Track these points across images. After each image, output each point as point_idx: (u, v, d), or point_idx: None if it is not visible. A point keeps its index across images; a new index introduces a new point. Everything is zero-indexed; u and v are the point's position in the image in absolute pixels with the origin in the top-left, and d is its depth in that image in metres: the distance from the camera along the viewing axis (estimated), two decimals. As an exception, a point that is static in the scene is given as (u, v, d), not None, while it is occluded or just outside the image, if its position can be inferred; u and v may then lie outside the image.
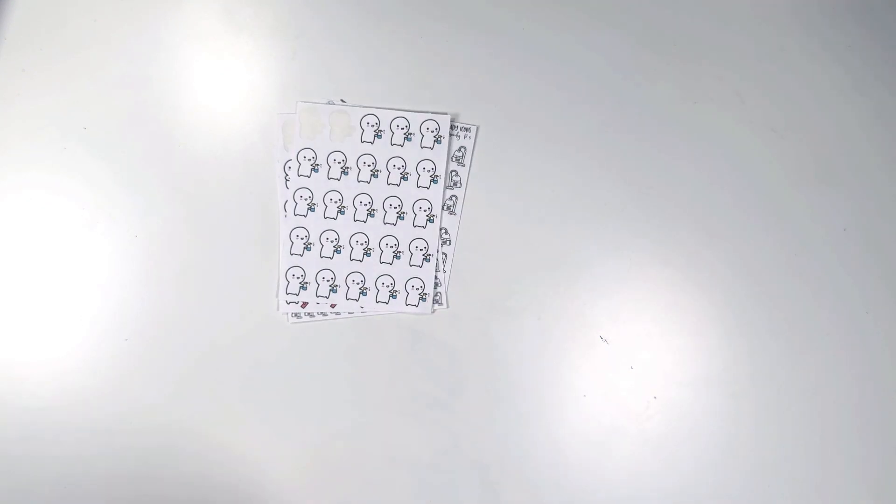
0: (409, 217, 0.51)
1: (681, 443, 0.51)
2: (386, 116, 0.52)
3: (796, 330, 0.51)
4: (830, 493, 0.50)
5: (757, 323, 0.52)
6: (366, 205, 0.51)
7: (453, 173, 0.52)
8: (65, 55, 0.52)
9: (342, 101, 0.52)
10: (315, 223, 0.51)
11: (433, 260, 0.51)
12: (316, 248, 0.51)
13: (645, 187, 0.52)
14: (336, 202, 0.51)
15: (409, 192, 0.51)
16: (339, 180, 0.51)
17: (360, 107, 0.52)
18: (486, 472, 0.50)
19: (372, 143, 0.51)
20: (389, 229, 0.51)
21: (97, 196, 0.52)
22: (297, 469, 0.51)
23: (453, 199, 0.52)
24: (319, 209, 0.51)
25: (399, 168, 0.51)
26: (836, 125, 0.53)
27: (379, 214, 0.51)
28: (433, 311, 0.51)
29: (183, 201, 0.52)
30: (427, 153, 0.51)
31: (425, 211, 0.51)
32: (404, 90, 0.53)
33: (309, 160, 0.51)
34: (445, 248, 0.51)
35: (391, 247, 0.51)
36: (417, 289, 0.51)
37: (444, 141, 0.51)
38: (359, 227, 0.51)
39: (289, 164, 0.52)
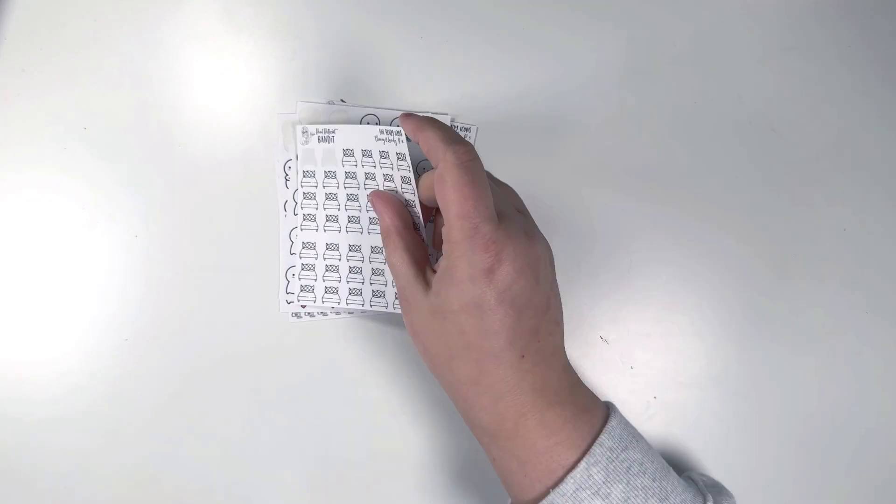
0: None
1: (681, 443, 0.51)
2: (386, 116, 0.52)
3: (796, 330, 0.51)
4: (831, 494, 0.50)
5: (757, 323, 0.52)
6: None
7: None
8: (65, 55, 0.52)
9: (342, 101, 0.52)
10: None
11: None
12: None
13: (645, 187, 0.52)
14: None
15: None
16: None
17: (360, 107, 0.52)
18: (485, 471, 0.50)
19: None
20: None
21: (97, 196, 0.52)
22: (297, 469, 0.51)
23: None
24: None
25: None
26: (836, 125, 0.53)
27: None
28: None
29: (183, 201, 0.52)
30: None
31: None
32: (404, 90, 0.53)
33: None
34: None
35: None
36: None
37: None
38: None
39: (288, 163, 0.52)
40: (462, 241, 0.35)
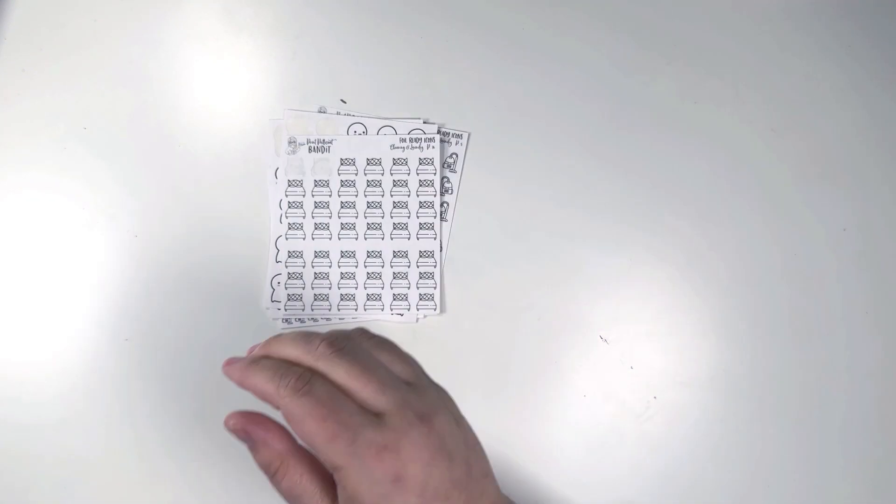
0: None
1: (681, 443, 0.51)
2: (373, 125, 0.52)
3: (796, 330, 0.51)
4: (831, 494, 0.50)
5: (757, 323, 0.52)
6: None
7: (445, 180, 0.52)
8: (65, 55, 0.52)
9: (342, 101, 0.52)
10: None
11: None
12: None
13: (645, 187, 0.52)
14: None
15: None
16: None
17: (346, 115, 0.52)
18: (486, 472, 0.50)
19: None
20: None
21: (97, 196, 0.52)
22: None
23: (444, 205, 0.51)
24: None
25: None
26: (836, 125, 0.53)
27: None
28: (418, 320, 0.51)
29: (183, 201, 0.52)
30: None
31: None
32: (402, 91, 0.53)
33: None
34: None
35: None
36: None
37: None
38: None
39: (278, 170, 0.52)
40: (349, 463, 0.30)
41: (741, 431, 0.51)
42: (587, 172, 0.52)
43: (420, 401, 0.33)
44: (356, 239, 0.51)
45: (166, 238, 0.51)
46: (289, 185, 0.51)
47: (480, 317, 0.51)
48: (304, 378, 0.32)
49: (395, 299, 0.51)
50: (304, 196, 0.51)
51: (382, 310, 0.50)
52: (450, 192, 0.52)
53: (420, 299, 0.51)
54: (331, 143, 0.51)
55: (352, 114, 0.52)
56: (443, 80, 0.53)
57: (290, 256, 0.51)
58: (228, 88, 0.52)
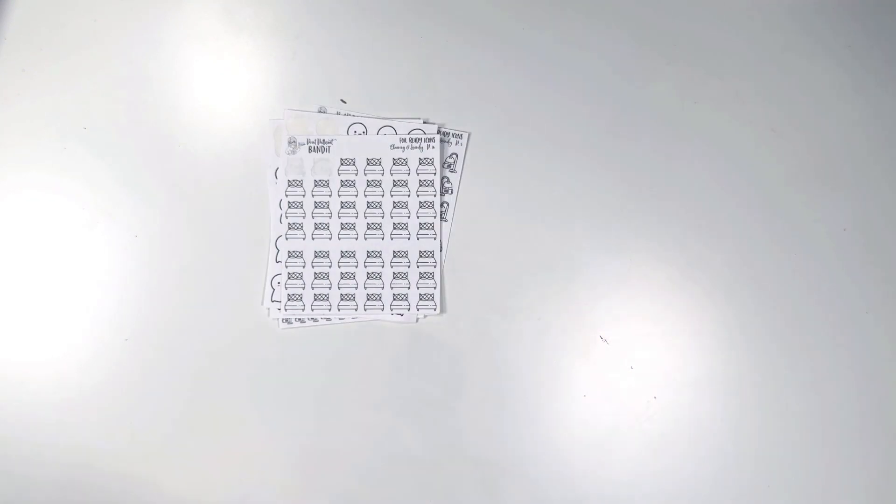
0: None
1: (681, 443, 0.51)
2: (373, 125, 0.52)
3: (796, 330, 0.51)
4: (831, 493, 0.50)
5: (757, 323, 0.51)
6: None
7: (445, 180, 0.52)
8: (65, 55, 0.52)
9: (342, 101, 0.52)
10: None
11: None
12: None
13: (645, 187, 0.52)
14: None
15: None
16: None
17: (346, 115, 0.52)
18: (486, 471, 0.50)
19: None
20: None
21: (97, 196, 0.52)
22: (296, 469, 0.51)
23: (445, 205, 0.51)
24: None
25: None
26: (836, 125, 0.53)
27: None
28: (418, 320, 0.51)
29: (183, 201, 0.52)
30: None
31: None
32: (401, 91, 0.53)
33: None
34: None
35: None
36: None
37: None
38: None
39: (278, 170, 0.52)
40: None
41: (741, 431, 0.51)
42: (587, 172, 0.52)
43: None
44: (356, 239, 0.51)
45: (166, 238, 0.51)
46: (289, 185, 0.51)
47: (480, 317, 0.51)
48: None
49: (395, 299, 0.51)
50: (304, 196, 0.51)
51: (382, 310, 0.50)
52: (450, 192, 0.52)
53: (420, 299, 0.51)
54: (331, 143, 0.51)
55: (352, 114, 0.52)
56: (443, 80, 0.53)
57: (290, 256, 0.51)
58: (228, 88, 0.52)
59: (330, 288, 0.51)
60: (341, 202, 0.51)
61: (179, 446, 0.51)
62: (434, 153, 0.51)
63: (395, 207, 0.51)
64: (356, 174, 0.51)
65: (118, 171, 0.52)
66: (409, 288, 0.51)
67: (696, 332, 0.52)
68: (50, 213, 0.51)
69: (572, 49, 0.53)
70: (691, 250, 0.52)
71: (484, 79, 0.53)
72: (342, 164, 0.51)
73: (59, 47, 0.52)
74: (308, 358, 0.51)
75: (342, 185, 0.51)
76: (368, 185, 0.51)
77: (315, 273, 0.51)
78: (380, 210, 0.51)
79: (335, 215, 0.51)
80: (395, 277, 0.51)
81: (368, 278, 0.51)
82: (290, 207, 0.51)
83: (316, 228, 0.51)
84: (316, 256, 0.51)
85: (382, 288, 0.51)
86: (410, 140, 0.51)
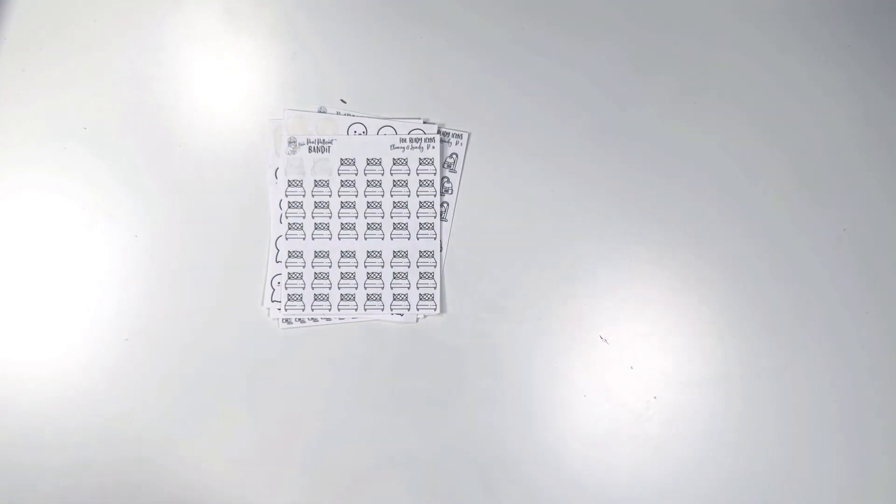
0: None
1: (681, 443, 0.51)
2: (373, 125, 0.52)
3: (796, 330, 0.51)
4: (831, 493, 0.50)
5: (757, 323, 0.51)
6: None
7: (445, 180, 0.52)
8: (65, 55, 0.52)
9: (342, 101, 0.52)
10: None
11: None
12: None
13: (644, 187, 0.52)
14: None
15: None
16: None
17: (346, 115, 0.52)
18: (486, 471, 0.50)
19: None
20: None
21: (97, 196, 0.52)
22: (296, 469, 0.51)
23: (445, 205, 0.51)
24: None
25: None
26: (836, 125, 0.53)
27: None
28: (418, 320, 0.51)
29: (183, 201, 0.52)
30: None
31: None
32: (401, 91, 0.53)
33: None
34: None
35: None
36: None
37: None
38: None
39: (278, 170, 0.52)
40: None
41: (741, 431, 0.51)
42: (587, 172, 0.52)
43: None
44: (356, 239, 0.51)
45: (166, 238, 0.51)
46: (289, 185, 0.51)
47: (480, 317, 0.51)
48: None
49: (395, 299, 0.51)
50: (304, 196, 0.51)
51: (382, 310, 0.50)
52: (450, 192, 0.52)
53: (420, 299, 0.51)
54: (331, 143, 0.51)
55: (352, 114, 0.52)
56: (443, 80, 0.53)
57: (290, 256, 0.51)
58: (228, 88, 0.52)
59: (330, 288, 0.51)
60: (341, 202, 0.51)
61: (179, 446, 0.51)
62: (434, 153, 0.51)
63: (395, 207, 0.51)
64: (356, 174, 0.51)
65: (118, 171, 0.52)
66: (409, 288, 0.51)
67: (695, 332, 0.52)
68: (50, 213, 0.51)
69: (572, 49, 0.53)
70: (691, 250, 0.52)
71: (484, 79, 0.53)
72: (342, 164, 0.51)
73: (60, 47, 0.52)
74: (308, 358, 0.51)
75: (342, 185, 0.51)
76: (368, 185, 0.51)
77: (315, 273, 0.51)
78: (380, 210, 0.51)
79: (335, 215, 0.51)
80: (395, 277, 0.51)
81: (368, 278, 0.51)
82: (290, 207, 0.51)
83: (316, 228, 0.51)
84: (316, 256, 0.51)
85: (382, 288, 0.51)
86: (410, 140, 0.51)
